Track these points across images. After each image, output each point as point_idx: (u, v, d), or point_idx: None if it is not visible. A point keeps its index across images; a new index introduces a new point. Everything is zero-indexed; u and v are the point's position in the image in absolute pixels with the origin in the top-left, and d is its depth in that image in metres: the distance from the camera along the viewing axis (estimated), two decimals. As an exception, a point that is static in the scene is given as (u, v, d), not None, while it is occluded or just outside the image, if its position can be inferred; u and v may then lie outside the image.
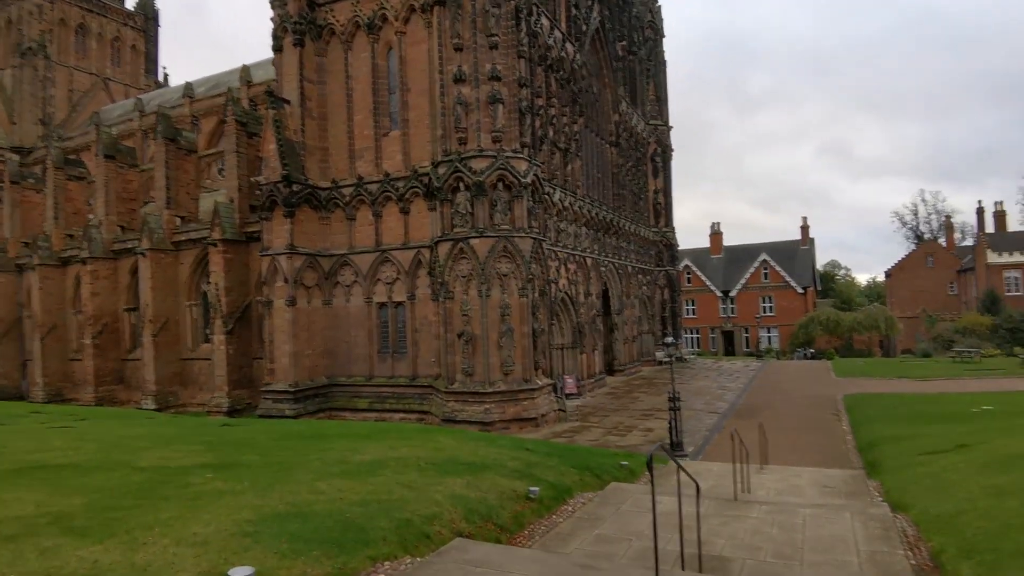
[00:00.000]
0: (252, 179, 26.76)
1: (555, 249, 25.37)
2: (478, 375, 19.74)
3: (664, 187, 42.04)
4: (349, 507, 6.56)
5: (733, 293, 59.95)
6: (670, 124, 43.05)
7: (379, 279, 23.16)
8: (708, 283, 60.84)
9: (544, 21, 25.32)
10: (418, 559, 5.75)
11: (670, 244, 42.43)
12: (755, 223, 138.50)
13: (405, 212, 22.82)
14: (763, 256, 59.65)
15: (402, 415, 22.12)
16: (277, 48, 24.57)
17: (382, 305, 23.26)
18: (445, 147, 20.62)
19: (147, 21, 57.64)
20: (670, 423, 16.15)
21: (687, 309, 60.12)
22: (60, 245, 34.74)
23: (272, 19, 24.59)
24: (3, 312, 35.89)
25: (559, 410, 21.74)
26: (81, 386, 32.52)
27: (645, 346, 38.80)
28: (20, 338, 36.11)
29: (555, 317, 26.15)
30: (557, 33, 26.63)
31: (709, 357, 51.32)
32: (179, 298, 30.87)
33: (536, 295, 21.01)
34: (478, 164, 19.86)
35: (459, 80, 20.27)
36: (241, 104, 31.23)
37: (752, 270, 59.70)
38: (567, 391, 26.26)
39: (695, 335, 60.38)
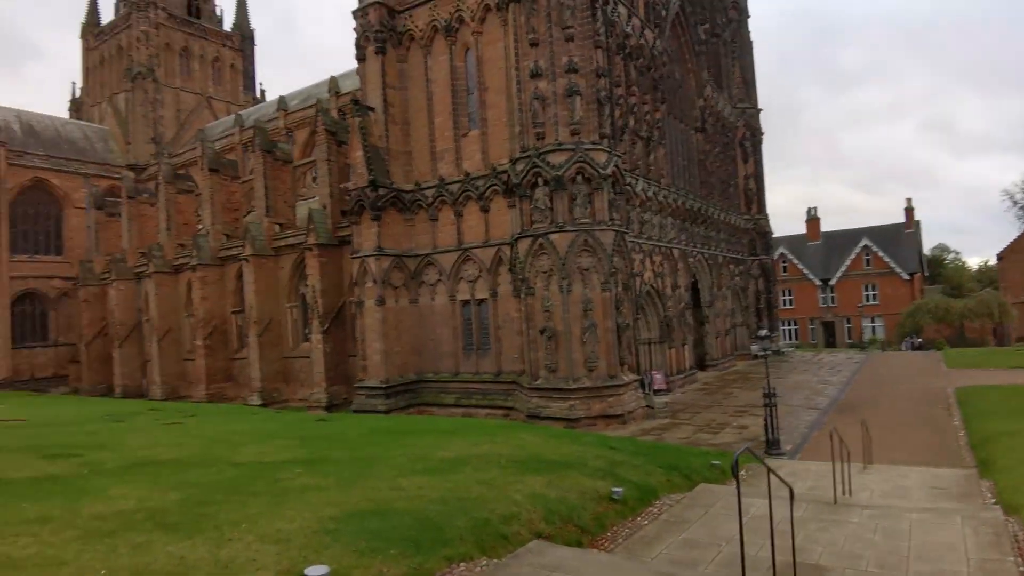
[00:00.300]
0: (342, 185, 27.82)
1: (639, 241, 24.75)
2: (561, 371, 19.56)
3: (755, 172, 40.09)
4: (428, 505, 6.61)
5: (833, 282, 56.35)
6: (759, 107, 40.97)
7: (462, 277, 23.47)
8: (806, 271, 57.51)
9: (621, 9, 24.71)
10: (494, 560, 5.68)
11: (763, 232, 40.44)
12: (855, 206, 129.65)
13: (485, 210, 22.97)
14: (864, 241, 55.67)
15: (487, 411, 22.32)
16: (360, 57, 25.39)
17: (465, 303, 23.56)
18: (523, 143, 20.55)
19: (243, 41, 61.34)
20: (765, 420, 15.32)
21: (783, 300, 57.12)
22: (172, 254, 37.58)
23: (355, 29, 25.45)
24: (125, 317, 39.26)
25: (647, 407, 21.19)
26: (194, 384, 35.10)
27: (739, 340, 37.20)
28: (140, 341, 39.40)
29: (641, 311, 25.54)
30: (635, 20, 25.93)
31: (808, 350, 48.51)
32: (280, 300, 32.64)
33: (619, 289, 20.56)
34: (556, 158, 19.65)
35: (535, 75, 20.12)
36: (330, 114, 32.56)
37: (853, 256, 55.87)
38: (655, 387, 25.58)
39: (793, 327, 57.29)
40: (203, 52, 57.34)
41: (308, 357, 29.74)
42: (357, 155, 24.05)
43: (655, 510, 8.55)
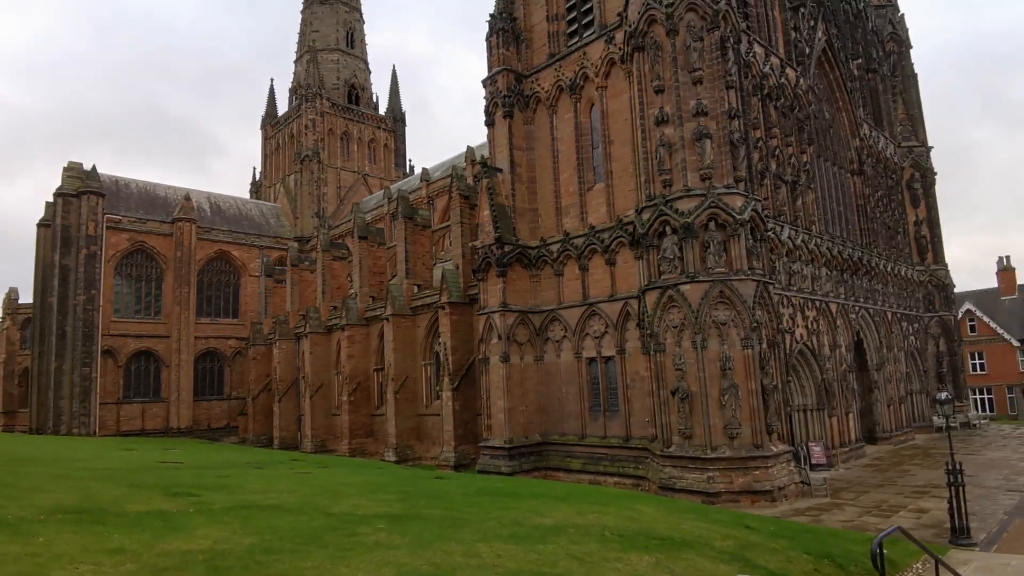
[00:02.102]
0: (470, 244, 28.38)
1: (787, 294, 22.34)
2: (697, 438, 17.62)
3: (928, 217, 35.39)
4: (500, 577, 5.67)
5: (1036, 342, 47.46)
6: (929, 144, 36.56)
7: (587, 333, 22.48)
8: (1000, 331, 48.99)
9: (757, 49, 23.38)
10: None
11: (942, 284, 35.21)
12: None
13: (611, 263, 22.05)
14: (1076, 293, 46.56)
15: (616, 479, 20.67)
16: (489, 123, 26.19)
17: (591, 360, 22.44)
18: (649, 192, 19.58)
19: (395, 123, 67.03)
20: (950, 501, 12.43)
21: (973, 364, 48.94)
22: (326, 315, 40.42)
23: (484, 97, 26.42)
24: (285, 374, 42.50)
25: (801, 483, 18.42)
26: (339, 438, 36.71)
27: (917, 409, 32.06)
28: (297, 396, 42.29)
29: (792, 373, 22.78)
30: (774, 59, 24.38)
31: (1006, 422, 40.69)
32: (416, 358, 33.56)
33: (764, 346, 18.41)
34: (685, 205, 18.41)
35: (661, 122, 19.29)
36: (465, 180, 33.82)
37: (1059, 312, 46.83)
38: (814, 461, 22.32)
39: (987, 395, 48.63)
40: (360, 135, 63.37)
41: (439, 415, 29.94)
42: (484, 214, 24.42)
43: (796, 609, 6.84)
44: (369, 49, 69.81)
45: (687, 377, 17.88)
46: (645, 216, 19.35)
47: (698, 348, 17.70)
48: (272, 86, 68.70)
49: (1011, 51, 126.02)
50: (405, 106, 68.40)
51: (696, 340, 17.73)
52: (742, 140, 19.15)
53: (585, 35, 24.33)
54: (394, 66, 70.47)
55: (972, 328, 49.95)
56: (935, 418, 32.20)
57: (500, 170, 25.11)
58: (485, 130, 26.31)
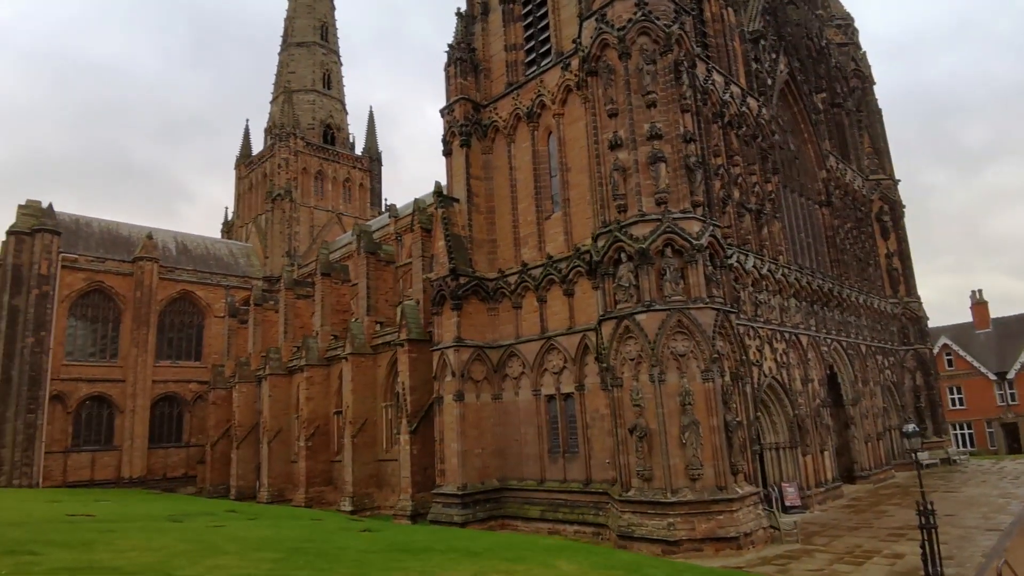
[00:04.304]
0: (424, 276, 27.27)
1: (754, 325, 21.37)
2: (657, 480, 16.27)
3: (899, 249, 34.96)
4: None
5: (1011, 375, 46.61)
6: (896, 178, 36.43)
7: (546, 368, 21.27)
8: (976, 364, 48.30)
9: (717, 77, 23.00)
10: None
11: (916, 317, 34.54)
12: (1021, 295, 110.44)
13: (569, 294, 21.01)
14: (1047, 325, 46.11)
15: (576, 528, 19.16)
16: (447, 152, 25.46)
17: (550, 398, 21.16)
18: (604, 218, 18.69)
19: (372, 162, 66.61)
20: (922, 547, 11.20)
21: (952, 398, 48.04)
22: (288, 356, 38.79)
23: (443, 127, 25.74)
24: (244, 419, 40.50)
25: (770, 528, 17.04)
26: (297, 487, 34.65)
27: (896, 446, 30.90)
28: (256, 443, 40.22)
29: (762, 408, 21.65)
30: (734, 88, 24.00)
31: (986, 457, 39.59)
32: (377, 400, 31.98)
33: (726, 379, 17.29)
34: (640, 230, 17.51)
35: (615, 146, 18.55)
36: (428, 213, 32.95)
37: (1034, 344, 46.28)
38: (788, 503, 21.02)
39: (966, 431, 47.57)
40: (335, 174, 62.73)
41: (399, 460, 28.27)
42: (439, 244, 23.41)
43: None
44: (351, 93, 70.05)
45: (645, 413, 16.65)
46: (600, 243, 18.42)
47: (656, 382, 16.53)
48: (247, 126, 68.22)
49: (957, 99, 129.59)
50: (389, 148, 68.32)
51: (654, 373, 16.58)
52: (699, 164, 18.41)
53: (543, 64, 23.87)
54: (371, 107, 71.03)
55: (949, 362, 49.29)
56: (918, 454, 31.05)
57: (456, 200, 24.24)
58: (443, 148, 25.49)
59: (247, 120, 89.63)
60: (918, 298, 34.90)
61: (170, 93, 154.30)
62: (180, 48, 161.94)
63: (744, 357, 19.48)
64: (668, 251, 17.23)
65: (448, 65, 25.70)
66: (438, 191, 34.21)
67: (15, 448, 38.70)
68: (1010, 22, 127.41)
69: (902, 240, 35.25)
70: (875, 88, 37.79)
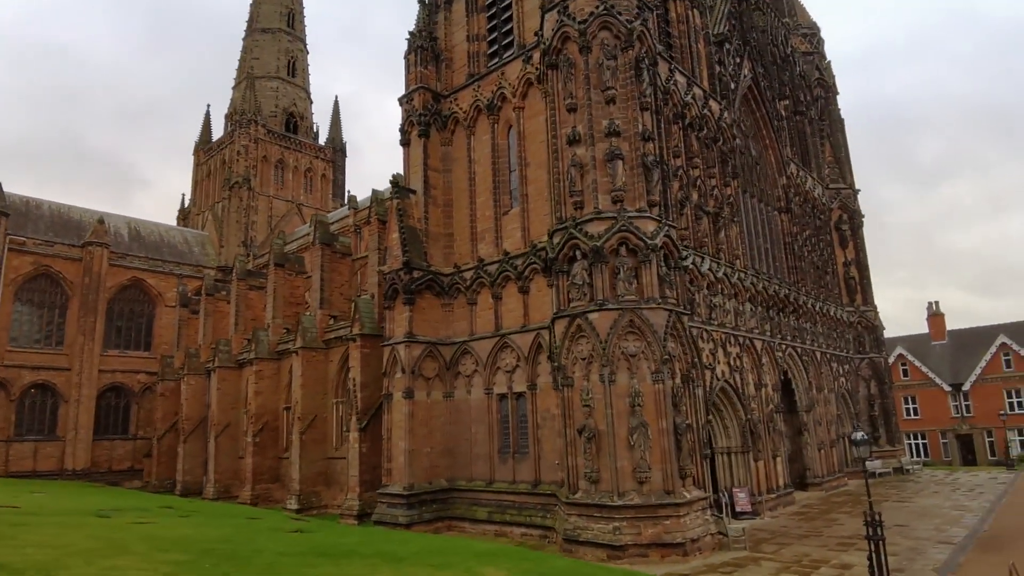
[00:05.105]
0: (378, 269, 26.53)
1: (708, 328, 21.20)
2: (605, 483, 15.91)
3: (857, 259, 35.42)
4: None
5: (966, 387, 47.83)
6: (856, 188, 36.92)
7: (499, 367, 20.77)
8: (931, 375, 49.44)
9: (679, 78, 22.80)
10: None
11: (872, 326, 35.02)
12: (975, 310, 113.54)
13: (524, 291, 20.55)
14: (1002, 339, 47.25)
15: (523, 530, 18.71)
16: (404, 142, 24.80)
17: (502, 397, 20.67)
18: (560, 215, 18.28)
19: (335, 152, 65.23)
20: (870, 559, 11.00)
21: (907, 408, 49.05)
22: (238, 348, 37.54)
23: (401, 115, 25.05)
24: (192, 412, 39.08)
25: (718, 534, 16.81)
26: (244, 483, 33.50)
27: (850, 453, 31.19)
28: (204, 437, 38.85)
29: (714, 412, 21.51)
30: (697, 90, 23.84)
31: (941, 468, 40.43)
32: (328, 396, 31.06)
33: (677, 381, 17.02)
34: (595, 228, 17.13)
35: (573, 141, 18.15)
36: (385, 205, 32.15)
37: (989, 357, 47.37)
38: (738, 508, 20.93)
39: (920, 440, 48.62)
40: (297, 163, 61.23)
41: (347, 458, 27.44)
42: (392, 236, 22.74)
43: None
44: (315, 83, 68.44)
45: (595, 414, 16.28)
46: (556, 239, 18.00)
47: (606, 382, 16.17)
48: (208, 112, 66.28)
49: (915, 114, 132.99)
50: (352, 141, 66.96)
51: (604, 373, 16.21)
52: (656, 163, 18.12)
53: (505, 56, 23.38)
54: (336, 97, 69.85)
55: (905, 372, 50.31)
56: (870, 463, 31.42)
57: (413, 191, 23.59)
58: (401, 138, 24.80)
59: (208, 105, 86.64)
60: (874, 307, 35.40)
61: (129, 79, 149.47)
62: (140, 33, 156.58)
63: (697, 360, 19.25)
64: (622, 250, 16.89)
65: (408, 53, 25.02)
66: (394, 182, 33.46)
67: (-55, 438, 36.65)
68: (965, 40, 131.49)
69: (860, 249, 35.71)
70: (838, 98, 38.22)
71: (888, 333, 38.22)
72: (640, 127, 18.06)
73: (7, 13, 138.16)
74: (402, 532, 18.36)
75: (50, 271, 43.95)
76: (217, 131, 64.03)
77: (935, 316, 52.50)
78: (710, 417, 20.63)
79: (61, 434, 42.14)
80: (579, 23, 18.45)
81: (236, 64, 66.35)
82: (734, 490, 21.44)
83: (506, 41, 23.66)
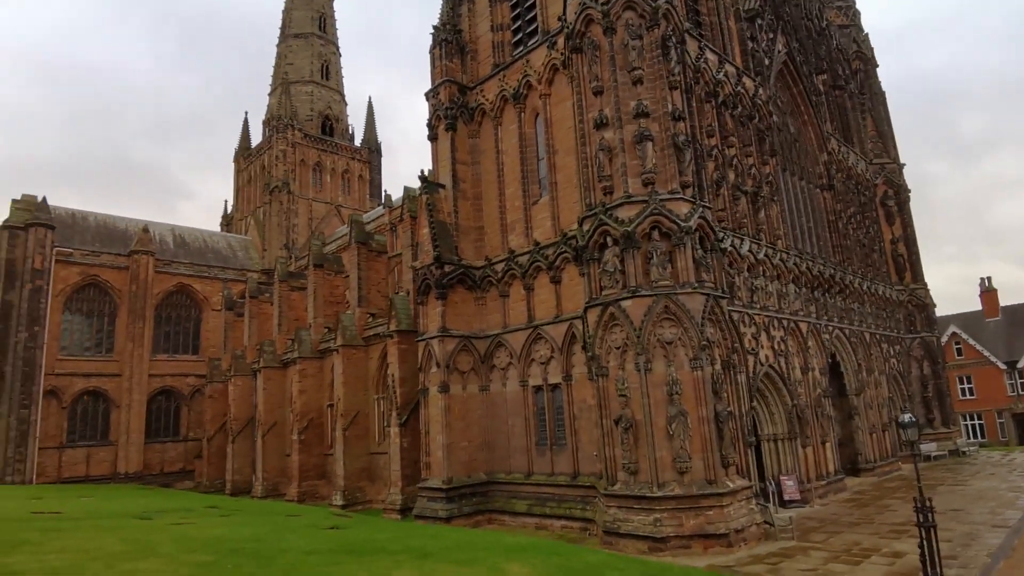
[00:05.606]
0: (410, 265, 26.58)
1: (749, 312, 20.56)
2: (643, 473, 15.56)
3: (904, 235, 33.93)
4: None
5: (1022, 364, 45.44)
6: (901, 161, 35.34)
7: (532, 359, 20.56)
8: (986, 353, 47.03)
9: (710, 55, 22.10)
10: None
11: (923, 304, 33.53)
12: None
13: (556, 281, 20.27)
14: (1060, 312, 44.74)
15: (564, 523, 18.51)
16: (432, 137, 24.72)
17: (537, 389, 20.46)
18: (589, 201, 17.92)
19: (371, 153, 65.87)
20: (921, 546, 10.43)
21: (962, 388, 46.91)
22: (282, 349, 38.25)
23: (428, 110, 24.99)
24: (240, 413, 40.03)
25: (764, 524, 16.28)
26: (291, 481, 34.15)
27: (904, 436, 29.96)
28: (252, 436, 39.78)
29: (759, 399, 20.86)
30: (729, 68, 23.10)
31: (996, 448, 38.52)
32: (368, 392, 31.38)
33: (716, 367, 16.52)
34: (625, 212, 16.72)
35: (600, 125, 17.75)
36: (416, 201, 32.25)
37: (1045, 332, 44.95)
38: (786, 497, 20.30)
39: (977, 421, 46.43)
40: (334, 165, 62.05)
41: (388, 453, 27.67)
42: (423, 232, 22.72)
43: None
44: (347, 85, 69.22)
45: (631, 404, 15.92)
46: (586, 227, 17.65)
47: (642, 371, 15.78)
48: (246, 119, 67.69)
49: (953, 88, 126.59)
50: (386, 141, 67.52)
51: (639, 362, 15.83)
52: (688, 143, 17.58)
53: (529, 43, 23.06)
54: (370, 97, 70.47)
55: (959, 351, 48.13)
56: (924, 447, 30.17)
57: (442, 186, 23.52)
58: (429, 133, 24.75)
59: (246, 112, 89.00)
60: (925, 285, 33.88)
61: (165, 92, 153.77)
62: (173, 48, 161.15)
63: (738, 345, 18.70)
64: (655, 234, 16.45)
65: (433, 47, 24.92)
66: (423, 177, 33.42)
67: (8, 444, 38.46)
68: (999, 13, 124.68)
69: (907, 225, 34.20)
70: (878, 71, 36.61)
71: (939, 311, 36.57)
72: (669, 106, 17.54)
73: (42, 34, 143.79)
74: (438, 527, 18.37)
75: (98, 280, 45.57)
76: (256, 138, 65.46)
77: (988, 292, 50.02)
78: (754, 404, 20.01)
79: (113, 439, 43.71)
80: (602, 4, 18.02)
81: (271, 71, 67.51)
82: (781, 478, 20.80)
83: (530, 28, 23.33)
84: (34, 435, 39.25)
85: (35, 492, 27.92)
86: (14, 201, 43.44)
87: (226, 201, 66.36)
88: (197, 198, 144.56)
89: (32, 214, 42.62)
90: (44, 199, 43.99)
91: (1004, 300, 50.24)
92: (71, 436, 42.36)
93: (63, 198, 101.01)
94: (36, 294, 41.26)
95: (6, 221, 42.09)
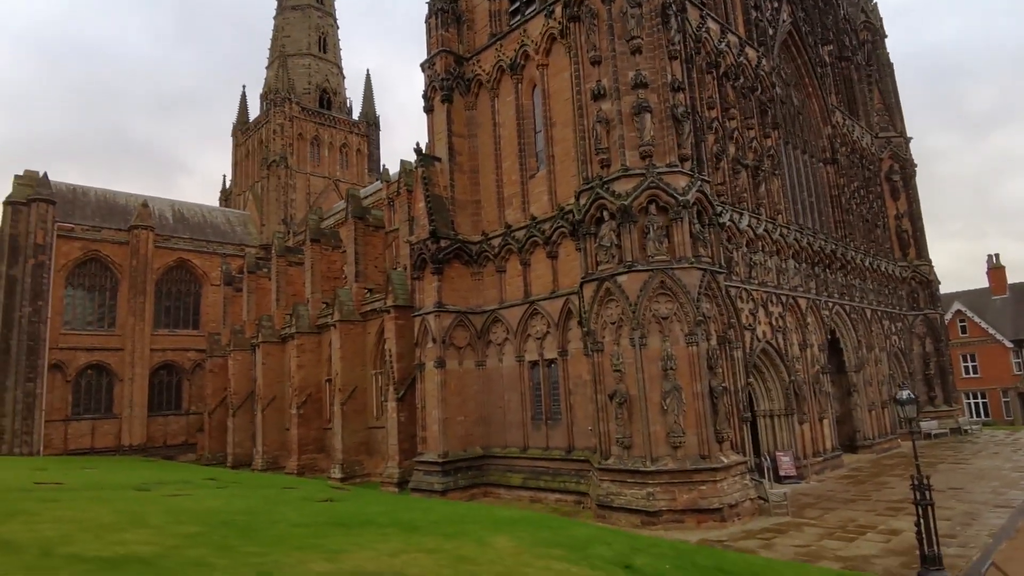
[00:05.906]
0: (405, 240, 26.36)
1: (747, 287, 20.33)
2: (637, 448, 15.51)
3: (909, 210, 33.48)
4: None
5: (1028, 342, 45.22)
6: (908, 135, 34.74)
7: (529, 334, 20.44)
8: (991, 331, 46.74)
9: (712, 25, 21.53)
10: None
11: (926, 281, 33.22)
12: None
13: (553, 256, 20.04)
14: (1068, 290, 44.28)
15: (558, 496, 18.55)
16: (428, 109, 24.31)
17: (533, 364, 20.37)
18: (586, 174, 17.61)
19: (369, 127, 65.17)
20: (918, 524, 10.34)
21: (965, 366, 46.76)
22: (280, 324, 38.23)
23: (424, 81, 24.53)
24: (239, 387, 40.20)
25: (758, 499, 16.26)
26: (290, 454, 34.39)
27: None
28: (252, 410, 39.98)
29: (756, 374, 20.74)
30: (731, 37, 22.54)
31: (1001, 428, 38.49)
32: (366, 367, 31.40)
33: (712, 343, 16.35)
34: (622, 186, 16.43)
35: (598, 96, 17.36)
36: (412, 175, 31.90)
37: (1054, 310, 44.58)
38: (782, 472, 20.29)
39: (980, 400, 46.36)
40: (332, 139, 61.45)
41: (386, 427, 27.77)
42: (419, 206, 22.44)
43: None
44: (345, 58, 68.22)
45: (626, 379, 15.82)
46: (582, 201, 17.38)
47: (637, 346, 15.64)
48: (244, 93, 66.90)
49: (961, 62, 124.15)
50: (384, 116, 66.72)
51: (635, 337, 15.68)
52: (687, 115, 17.20)
53: (527, 12, 22.51)
54: (368, 70, 69.36)
55: (963, 329, 47.86)
56: (925, 424, 30.11)
57: (438, 159, 23.17)
58: (424, 104, 24.33)
59: (243, 86, 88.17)
60: (929, 261, 33.52)
61: (163, 69, 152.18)
62: (169, 24, 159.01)
63: (735, 320, 18.52)
64: (652, 208, 16.17)
65: (429, 16, 24.36)
66: (418, 150, 32.85)
67: (15, 417, 38.74)
68: None
69: (912, 200, 33.73)
70: (886, 42, 35.79)
71: (944, 288, 36.30)
72: (669, 77, 17.12)
73: (43, 13, 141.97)
74: (432, 500, 18.44)
75: (99, 255, 45.46)
76: (254, 112, 64.75)
77: (995, 269, 49.52)
78: (750, 379, 19.90)
79: (117, 412, 44.01)
80: (600, -30, 17.49)
81: (268, 45, 66.56)
82: (777, 454, 20.78)
83: (528, -3, 22.75)
84: (40, 408, 39.50)
85: (41, 463, 28.17)
86: (16, 177, 43.19)
87: (224, 176, 66.03)
88: (196, 173, 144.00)
89: (34, 189, 42.37)
90: (45, 175, 43.71)
91: (1012, 278, 49.81)
92: (76, 409, 42.65)
93: (63, 173, 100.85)
94: (39, 269, 41.20)
95: (8, 197, 41.89)
